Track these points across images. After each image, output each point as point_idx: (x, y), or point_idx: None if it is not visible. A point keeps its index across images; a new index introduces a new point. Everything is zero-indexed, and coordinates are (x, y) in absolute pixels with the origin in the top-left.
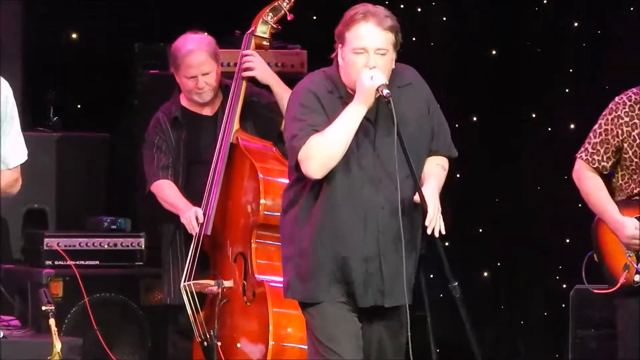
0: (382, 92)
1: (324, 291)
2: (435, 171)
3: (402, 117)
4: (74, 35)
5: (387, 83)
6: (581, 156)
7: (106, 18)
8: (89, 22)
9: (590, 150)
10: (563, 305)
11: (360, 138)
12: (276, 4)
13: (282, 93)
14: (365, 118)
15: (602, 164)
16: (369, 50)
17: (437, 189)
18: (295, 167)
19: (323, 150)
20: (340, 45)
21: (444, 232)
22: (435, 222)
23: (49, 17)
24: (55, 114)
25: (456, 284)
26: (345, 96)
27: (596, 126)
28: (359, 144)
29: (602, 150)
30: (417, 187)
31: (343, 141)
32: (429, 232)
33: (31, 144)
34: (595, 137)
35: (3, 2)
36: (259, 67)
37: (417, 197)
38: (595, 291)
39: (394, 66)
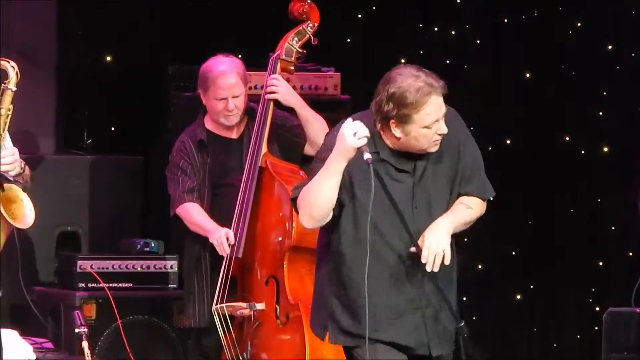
0: (363, 156)
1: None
2: (455, 209)
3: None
4: (108, 58)
5: (369, 135)
6: None
7: (141, 40)
8: (123, 44)
9: None
10: (596, 328)
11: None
12: (301, 28)
13: (307, 116)
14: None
15: None
16: (439, 120)
17: (444, 224)
18: None
19: (308, 202)
20: (396, 122)
21: (436, 269)
22: (431, 259)
23: (84, 39)
24: (89, 136)
25: (463, 324)
26: (382, 153)
27: None
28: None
29: None
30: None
31: (325, 195)
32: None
33: (64, 166)
34: None
35: (38, 25)
36: (282, 90)
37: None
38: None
39: None
